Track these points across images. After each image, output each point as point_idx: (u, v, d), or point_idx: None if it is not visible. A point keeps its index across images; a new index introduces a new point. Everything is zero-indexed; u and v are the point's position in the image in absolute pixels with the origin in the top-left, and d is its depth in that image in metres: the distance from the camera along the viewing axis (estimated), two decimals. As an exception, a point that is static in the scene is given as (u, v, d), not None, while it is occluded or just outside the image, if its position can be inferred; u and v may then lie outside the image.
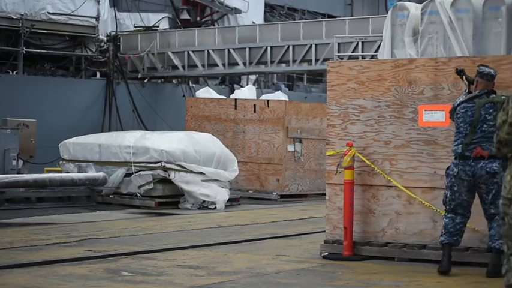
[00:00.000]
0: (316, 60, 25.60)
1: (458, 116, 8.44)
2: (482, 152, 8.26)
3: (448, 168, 8.53)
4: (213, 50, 27.41)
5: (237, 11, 32.04)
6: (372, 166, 9.33)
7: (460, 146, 8.37)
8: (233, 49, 27.09)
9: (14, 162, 18.88)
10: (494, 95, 8.41)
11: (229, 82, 32.11)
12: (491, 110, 8.32)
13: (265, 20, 33.54)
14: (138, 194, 17.29)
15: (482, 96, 8.40)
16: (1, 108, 22.89)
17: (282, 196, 20.21)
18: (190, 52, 27.79)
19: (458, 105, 8.48)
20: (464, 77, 8.58)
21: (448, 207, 8.50)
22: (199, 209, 16.85)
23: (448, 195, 8.49)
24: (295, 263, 9.28)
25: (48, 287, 7.74)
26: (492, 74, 8.45)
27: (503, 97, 8.32)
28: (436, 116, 9.12)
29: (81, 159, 18.41)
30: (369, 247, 9.38)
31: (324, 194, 9.92)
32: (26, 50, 25.71)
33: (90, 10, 26.82)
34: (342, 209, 9.43)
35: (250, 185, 20.56)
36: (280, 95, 22.80)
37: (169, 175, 17.05)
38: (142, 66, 28.85)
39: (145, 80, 29.78)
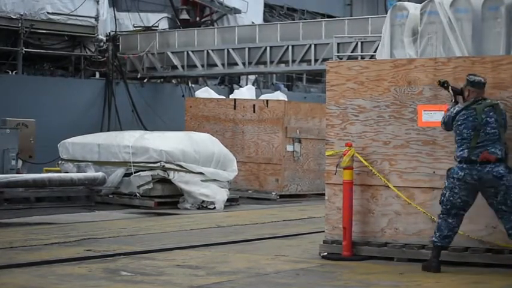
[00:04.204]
0: (316, 60, 25.60)
1: (459, 123, 8.52)
2: (488, 156, 8.38)
3: (449, 170, 8.58)
4: (212, 50, 27.40)
5: (236, 11, 32.03)
6: (370, 168, 9.32)
7: (466, 150, 8.45)
8: (232, 49, 27.10)
9: (13, 162, 18.88)
10: (488, 100, 8.52)
11: (229, 82, 32.11)
12: (491, 113, 8.44)
13: (265, 20, 33.55)
14: (137, 194, 17.27)
15: (479, 102, 8.51)
16: (0, 108, 22.88)
17: (281, 196, 20.19)
18: (190, 52, 27.79)
19: (457, 113, 8.56)
20: (450, 87, 8.66)
21: (444, 208, 8.57)
22: (198, 209, 16.85)
23: (447, 195, 8.54)
24: (294, 263, 9.28)
25: (48, 287, 7.74)
26: (483, 82, 8.58)
27: (497, 102, 8.52)
28: (435, 116, 9.11)
29: (80, 159, 18.39)
30: (368, 247, 9.38)
31: (323, 194, 9.92)
32: (26, 50, 25.71)
33: (89, 10, 26.82)
34: (341, 209, 9.43)
35: (249, 185, 20.55)
36: (279, 95, 22.79)
37: (168, 175, 17.04)
38: (142, 66, 28.85)
39: (145, 80, 29.78)
